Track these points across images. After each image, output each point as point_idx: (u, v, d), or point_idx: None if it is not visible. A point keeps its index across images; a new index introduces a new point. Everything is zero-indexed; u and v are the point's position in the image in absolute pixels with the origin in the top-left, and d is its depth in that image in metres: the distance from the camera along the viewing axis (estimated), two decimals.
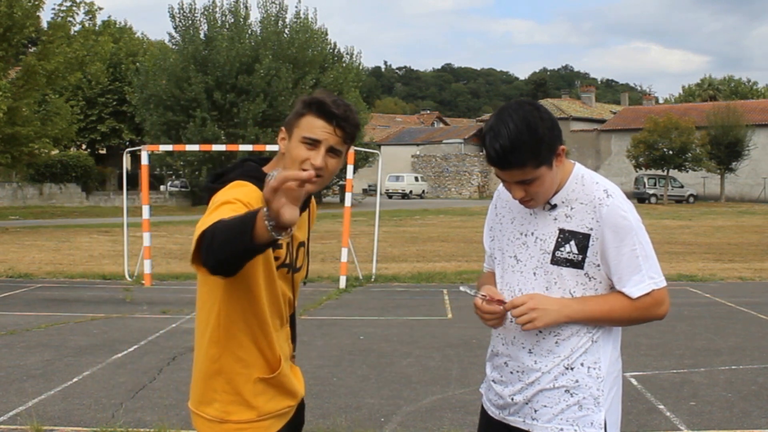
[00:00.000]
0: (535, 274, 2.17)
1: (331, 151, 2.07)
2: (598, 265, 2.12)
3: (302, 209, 2.19)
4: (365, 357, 6.98)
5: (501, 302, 2.16)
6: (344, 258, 11.64)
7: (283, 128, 2.13)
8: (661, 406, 5.39)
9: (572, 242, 2.12)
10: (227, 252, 1.67)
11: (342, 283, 11.32)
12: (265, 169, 2.16)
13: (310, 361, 6.68)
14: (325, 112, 2.05)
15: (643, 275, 2.10)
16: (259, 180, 2.02)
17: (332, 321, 8.76)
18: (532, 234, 2.19)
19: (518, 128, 2.01)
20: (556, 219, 2.16)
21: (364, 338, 7.82)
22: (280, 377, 2.14)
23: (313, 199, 2.35)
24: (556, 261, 2.14)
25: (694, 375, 6.28)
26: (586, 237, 2.11)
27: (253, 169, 2.13)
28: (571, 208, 2.14)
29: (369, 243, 14.55)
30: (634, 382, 5.98)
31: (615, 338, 2.22)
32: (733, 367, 6.56)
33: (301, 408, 2.36)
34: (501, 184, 2.24)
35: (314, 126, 2.05)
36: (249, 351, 2.09)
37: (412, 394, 5.73)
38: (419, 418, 5.18)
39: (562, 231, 2.14)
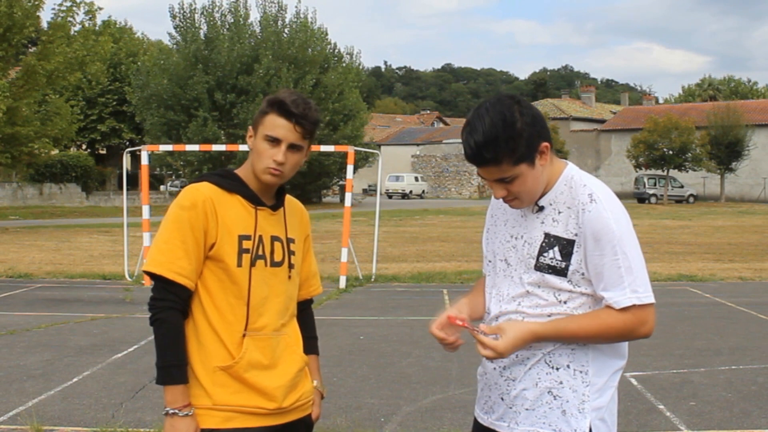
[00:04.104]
0: (521, 278, 2.08)
1: (292, 147, 2.19)
2: (583, 274, 2.00)
3: (277, 206, 2.27)
4: (365, 357, 6.98)
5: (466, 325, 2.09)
6: (344, 258, 11.64)
7: (250, 127, 2.24)
8: (661, 406, 5.39)
9: (556, 248, 2.01)
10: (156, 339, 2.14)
11: (342, 283, 11.31)
12: (237, 171, 2.26)
13: None
14: (286, 111, 2.15)
15: (624, 288, 1.96)
16: (221, 177, 2.23)
17: (332, 321, 8.76)
18: (522, 237, 2.10)
19: (493, 123, 1.92)
20: (543, 222, 2.06)
21: (364, 338, 7.82)
22: (238, 370, 2.14)
23: (293, 199, 2.40)
24: (539, 267, 2.03)
25: (694, 375, 6.28)
26: (570, 243, 1.99)
27: (220, 171, 2.27)
28: (559, 212, 2.04)
29: (369, 243, 14.55)
30: (634, 382, 5.98)
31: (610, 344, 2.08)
32: (733, 367, 6.56)
33: (302, 426, 2.30)
34: None
35: (276, 125, 2.16)
36: (208, 339, 2.16)
37: (412, 394, 5.73)
38: (419, 418, 5.18)
39: (547, 235, 2.03)
